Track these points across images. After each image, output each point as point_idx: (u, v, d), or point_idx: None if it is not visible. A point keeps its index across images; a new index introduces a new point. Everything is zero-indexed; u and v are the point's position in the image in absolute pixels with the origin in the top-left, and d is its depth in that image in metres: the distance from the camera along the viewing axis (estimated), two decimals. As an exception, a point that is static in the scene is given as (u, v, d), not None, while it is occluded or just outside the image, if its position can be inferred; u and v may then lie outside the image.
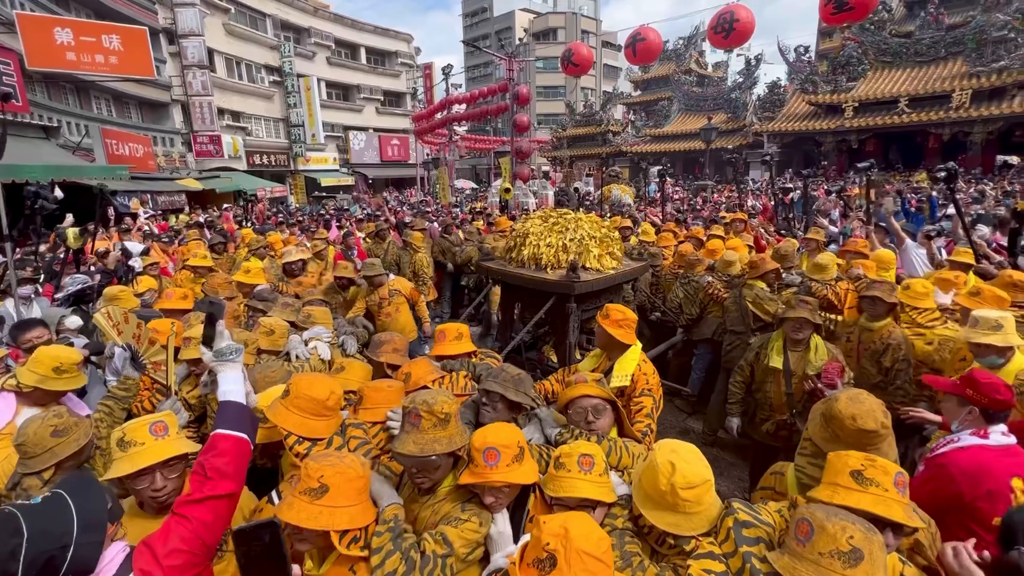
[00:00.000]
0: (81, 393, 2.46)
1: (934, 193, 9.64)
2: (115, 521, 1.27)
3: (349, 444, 1.78)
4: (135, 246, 3.33)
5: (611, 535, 1.46)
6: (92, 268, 5.46)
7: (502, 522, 1.52)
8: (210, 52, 22.17)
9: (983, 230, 5.44)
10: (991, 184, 13.05)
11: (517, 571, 1.15)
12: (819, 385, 2.63)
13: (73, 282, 4.67)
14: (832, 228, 6.57)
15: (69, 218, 7.22)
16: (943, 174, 3.97)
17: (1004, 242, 4.61)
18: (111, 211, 11.08)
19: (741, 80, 25.54)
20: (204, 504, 1.24)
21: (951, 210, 7.56)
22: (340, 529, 1.28)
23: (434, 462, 1.56)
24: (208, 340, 1.48)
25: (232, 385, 1.43)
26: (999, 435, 1.84)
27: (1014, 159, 15.96)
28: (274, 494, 1.63)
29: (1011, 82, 16.97)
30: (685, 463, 1.39)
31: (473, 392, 2.25)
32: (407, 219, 10.03)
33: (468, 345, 2.66)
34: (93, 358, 2.76)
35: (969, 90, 17.58)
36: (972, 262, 3.73)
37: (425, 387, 2.14)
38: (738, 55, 25.96)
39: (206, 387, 1.56)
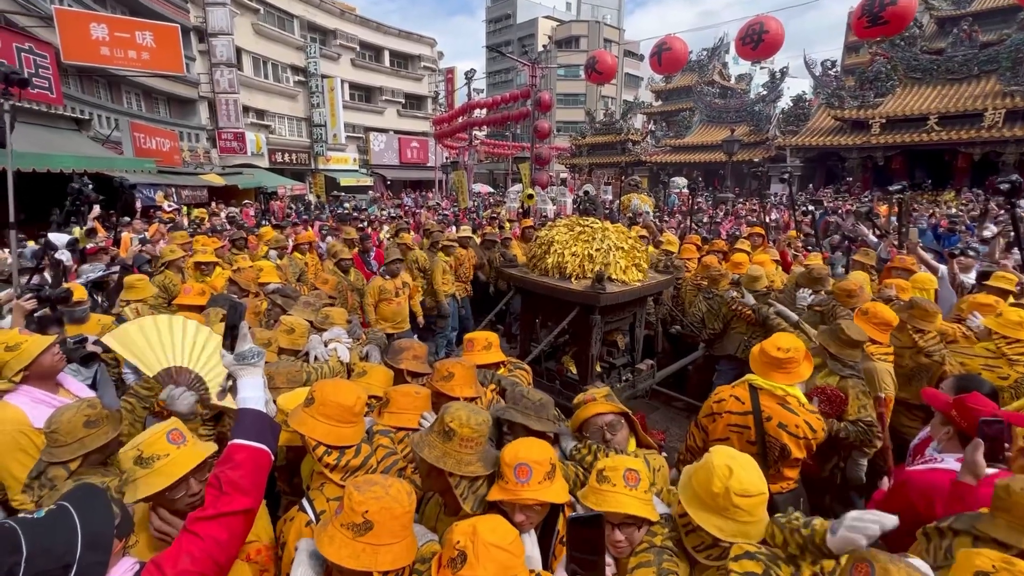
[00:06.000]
0: (92, 388, 2.45)
1: (969, 220, 9.32)
2: (125, 536, 1.20)
3: (377, 453, 1.73)
4: (60, 237, 3.27)
5: (648, 551, 1.42)
6: (114, 260, 5.53)
7: (530, 545, 1.44)
8: (238, 51, 22.54)
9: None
10: (1024, 207, 12.66)
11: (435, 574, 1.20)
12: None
13: (94, 268, 4.71)
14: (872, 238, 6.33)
15: (96, 209, 7.33)
16: (1006, 187, 3.64)
17: None
18: (138, 204, 11.29)
19: (765, 93, 25.26)
20: (218, 521, 1.18)
21: (987, 232, 7.34)
22: (384, 570, 1.20)
23: (421, 461, 1.56)
24: (228, 341, 1.43)
25: (252, 391, 1.37)
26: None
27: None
28: (305, 503, 1.57)
29: (1047, 102, 16.55)
30: (743, 470, 1.37)
31: (500, 403, 2.19)
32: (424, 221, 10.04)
33: (497, 355, 2.61)
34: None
35: (1003, 109, 17.14)
36: (1011, 288, 3.55)
37: (465, 399, 2.07)
38: (761, 68, 25.73)
39: (224, 393, 1.50)
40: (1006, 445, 1.70)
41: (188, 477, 1.43)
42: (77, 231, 3.45)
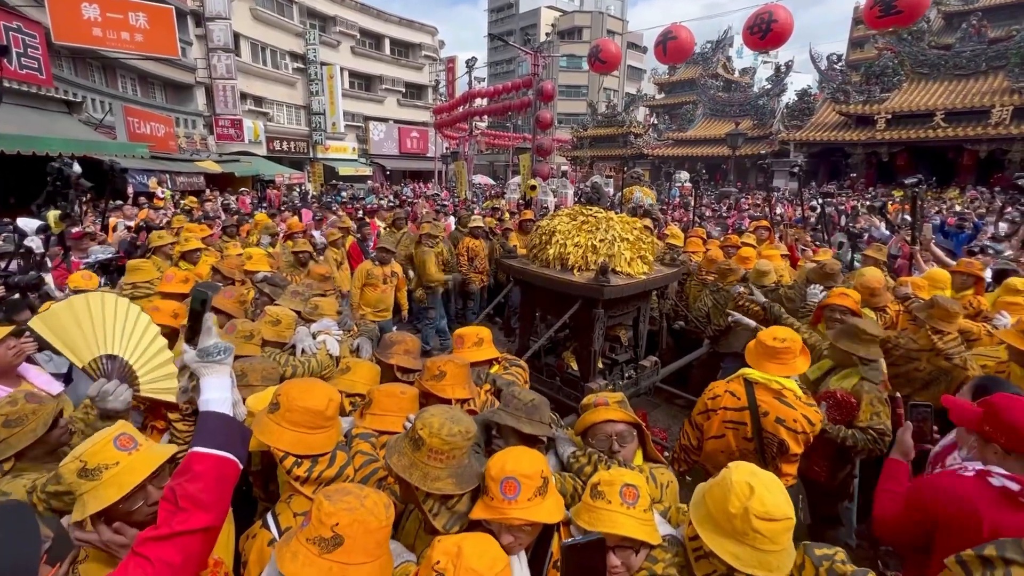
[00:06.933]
0: (68, 379, 2.28)
1: (976, 218, 9.17)
2: (59, 559, 1.05)
3: (354, 461, 1.55)
4: (30, 223, 3.12)
5: None
6: (106, 244, 5.42)
7: (519, 569, 1.27)
8: (236, 36, 22.14)
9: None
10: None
11: None
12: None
13: (104, 250, 4.65)
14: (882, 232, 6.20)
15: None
16: None
17: None
18: (129, 189, 11.06)
19: (769, 87, 25.00)
20: (171, 541, 1.01)
21: (993, 228, 7.19)
22: None
23: (390, 468, 1.40)
24: (192, 335, 1.25)
25: (216, 392, 1.20)
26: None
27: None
28: (269, 518, 1.40)
29: (1056, 100, 16.33)
30: (766, 490, 1.21)
31: (494, 405, 2.03)
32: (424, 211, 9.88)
33: (490, 351, 2.43)
34: None
35: (1010, 106, 16.93)
36: None
37: (458, 402, 1.88)
38: (765, 62, 25.46)
39: (186, 393, 1.32)
40: (934, 428, 1.86)
41: (145, 485, 1.26)
42: (52, 214, 3.26)
